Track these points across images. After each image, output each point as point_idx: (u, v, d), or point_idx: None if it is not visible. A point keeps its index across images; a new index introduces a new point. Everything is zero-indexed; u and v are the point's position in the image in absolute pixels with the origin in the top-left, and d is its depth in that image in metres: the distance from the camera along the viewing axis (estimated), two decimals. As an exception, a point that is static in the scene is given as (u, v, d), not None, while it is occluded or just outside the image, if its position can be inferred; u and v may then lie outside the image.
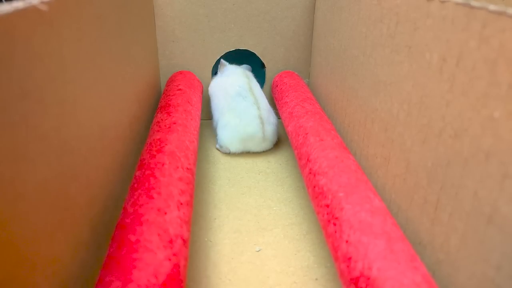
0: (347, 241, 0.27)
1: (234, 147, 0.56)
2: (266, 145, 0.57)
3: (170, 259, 0.25)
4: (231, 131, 0.55)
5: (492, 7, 0.21)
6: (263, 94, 0.59)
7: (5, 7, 0.18)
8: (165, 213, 0.28)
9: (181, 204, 0.31)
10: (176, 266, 0.25)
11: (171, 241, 0.26)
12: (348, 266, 0.26)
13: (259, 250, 0.38)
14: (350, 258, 0.26)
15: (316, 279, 0.35)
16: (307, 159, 0.39)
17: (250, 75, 0.61)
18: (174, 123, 0.42)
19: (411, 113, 0.29)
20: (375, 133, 0.36)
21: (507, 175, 0.20)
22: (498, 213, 0.21)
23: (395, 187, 0.33)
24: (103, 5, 0.33)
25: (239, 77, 0.59)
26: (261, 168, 0.53)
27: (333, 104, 0.50)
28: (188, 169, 0.36)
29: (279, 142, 0.61)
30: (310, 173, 0.37)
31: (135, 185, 0.32)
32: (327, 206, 0.31)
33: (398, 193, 0.32)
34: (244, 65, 0.65)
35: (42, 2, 0.22)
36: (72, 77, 0.26)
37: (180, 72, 0.62)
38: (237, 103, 0.56)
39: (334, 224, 0.29)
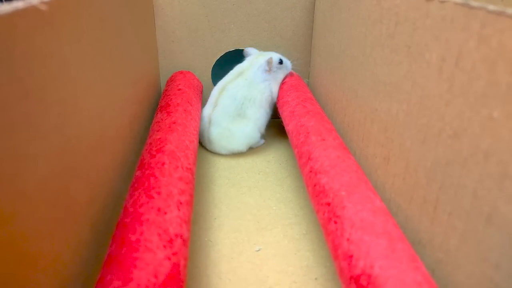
0: (348, 239, 0.27)
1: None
2: (214, 148, 0.56)
3: (170, 259, 0.25)
4: None
5: (491, 7, 0.21)
6: (243, 97, 0.55)
7: (5, 7, 0.18)
8: (165, 213, 0.28)
9: (181, 203, 0.31)
10: (176, 265, 0.25)
11: (171, 241, 0.26)
12: (349, 264, 0.26)
13: (258, 250, 0.38)
14: (351, 256, 0.26)
15: (316, 278, 0.35)
16: (308, 158, 0.39)
17: (246, 70, 0.57)
18: (174, 123, 0.42)
19: (411, 113, 0.30)
20: (375, 133, 0.36)
21: (506, 175, 0.20)
22: (497, 213, 0.21)
23: (395, 186, 0.33)
24: (103, 5, 0.33)
25: (230, 74, 0.58)
26: (260, 168, 0.53)
27: (333, 104, 0.50)
28: (188, 168, 0.36)
29: (279, 142, 0.61)
30: (311, 171, 0.37)
31: (135, 184, 0.32)
32: (328, 204, 0.31)
33: (398, 193, 0.32)
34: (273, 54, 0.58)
35: (42, 2, 0.22)
36: (72, 76, 0.26)
37: (180, 72, 0.62)
38: (209, 99, 0.58)
39: (335, 222, 0.29)
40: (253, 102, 0.55)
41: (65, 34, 0.25)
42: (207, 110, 0.56)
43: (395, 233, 0.27)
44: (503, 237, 0.21)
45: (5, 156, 0.18)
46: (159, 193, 0.30)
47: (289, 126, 0.49)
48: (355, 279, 0.25)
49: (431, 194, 0.27)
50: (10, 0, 0.22)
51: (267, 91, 0.56)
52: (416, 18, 0.28)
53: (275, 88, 0.58)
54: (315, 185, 0.35)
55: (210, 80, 0.65)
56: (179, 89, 0.54)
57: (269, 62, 0.55)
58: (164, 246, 0.25)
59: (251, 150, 0.58)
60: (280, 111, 0.56)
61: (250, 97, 0.55)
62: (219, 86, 0.57)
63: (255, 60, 0.57)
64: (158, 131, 0.40)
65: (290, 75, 0.60)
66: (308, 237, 0.40)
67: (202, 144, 0.58)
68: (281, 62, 0.57)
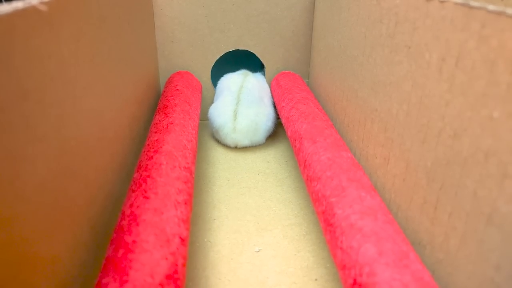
0: (341, 248, 0.27)
1: (214, 135, 0.61)
2: (238, 138, 0.58)
3: (167, 258, 0.25)
4: (210, 121, 0.60)
5: (491, 7, 0.21)
6: (260, 91, 0.60)
7: (5, 7, 0.18)
8: (162, 213, 0.28)
9: (179, 203, 0.31)
10: (174, 265, 0.25)
11: (168, 241, 0.26)
12: (344, 274, 0.26)
13: (258, 251, 0.38)
14: (344, 266, 0.26)
15: (316, 279, 0.35)
16: (304, 165, 0.39)
17: (251, 74, 0.63)
18: (172, 123, 0.42)
19: (411, 113, 0.29)
20: (375, 133, 0.36)
21: (507, 175, 0.20)
22: (497, 213, 0.21)
23: (395, 187, 0.33)
24: (103, 5, 0.33)
25: (236, 74, 0.62)
26: (260, 169, 0.53)
27: (333, 105, 0.50)
28: (186, 168, 0.36)
29: (278, 142, 0.61)
30: (308, 179, 0.37)
31: (133, 187, 0.32)
32: (323, 212, 0.32)
33: (398, 193, 0.32)
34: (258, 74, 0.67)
35: (41, 2, 0.22)
36: (71, 77, 0.25)
37: (178, 73, 0.62)
38: (222, 97, 0.60)
39: (330, 232, 0.30)
40: (265, 91, 0.62)
41: (64, 35, 0.25)
42: (229, 106, 0.58)
43: (383, 232, 0.26)
44: (504, 238, 0.21)
45: (3, 157, 0.17)
46: (156, 193, 0.30)
47: (288, 133, 0.49)
48: None
49: (432, 194, 0.27)
50: (10, 0, 0.22)
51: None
52: (416, 18, 0.28)
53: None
54: (312, 193, 0.35)
55: (210, 81, 0.65)
56: (177, 90, 0.54)
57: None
58: (161, 246, 0.25)
59: (251, 150, 0.58)
60: (280, 117, 0.56)
61: (262, 88, 0.61)
62: (236, 85, 0.60)
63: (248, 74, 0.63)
64: (155, 132, 0.40)
65: (283, 74, 0.64)
66: (308, 238, 0.40)
67: (221, 139, 0.59)
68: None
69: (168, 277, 0.24)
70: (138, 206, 0.28)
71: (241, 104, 0.58)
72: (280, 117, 0.55)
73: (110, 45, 0.35)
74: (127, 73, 0.41)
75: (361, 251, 0.25)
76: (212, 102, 0.66)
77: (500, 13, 0.20)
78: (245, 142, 0.58)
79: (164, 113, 0.45)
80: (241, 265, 0.36)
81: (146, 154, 0.36)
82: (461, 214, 0.24)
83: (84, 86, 0.28)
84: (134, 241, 0.25)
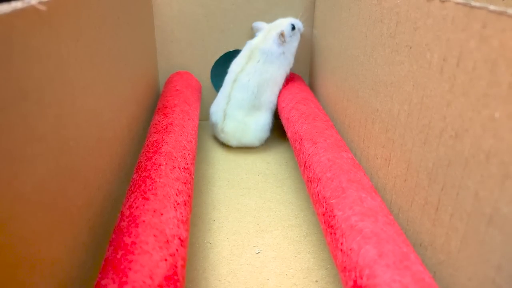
0: (341, 250, 0.27)
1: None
2: (226, 138, 0.57)
3: (166, 260, 0.25)
4: (209, 116, 0.60)
5: (492, 7, 0.21)
6: (260, 82, 0.54)
7: (4, 7, 0.18)
8: (161, 214, 0.28)
9: (178, 204, 0.30)
10: (173, 266, 0.25)
11: (167, 242, 0.26)
12: (345, 276, 0.26)
13: (258, 252, 0.38)
14: (345, 268, 0.26)
15: (316, 281, 0.35)
16: (304, 166, 0.39)
17: (260, 52, 0.54)
18: (171, 124, 0.42)
19: (412, 114, 0.29)
20: (376, 134, 0.36)
21: (508, 176, 0.20)
22: (498, 214, 0.21)
23: (396, 188, 0.32)
24: (102, 5, 0.33)
25: (241, 58, 0.57)
26: (260, 169, 0.53)
27: (333, 105, 0.50)
28: (185, 168, 0.36)
29: (278, 143, 0.60)
30: (308, 180, 0.37)
31: (132, 188, 0.31)
32: (323, 214, 0.32)
33: (399, 194, 0.32)
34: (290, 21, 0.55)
35: (40, 2, 0.21)
36: (70, 77, 0.25)
37: (178, 73, 0.62)
38: (221, 90, 0.59)
39: (330, 233, 0.29)
40: (267, 84, 0.55)
41: (63, 34, 0.25)
42: (221, 104, 0.57)
43: (384, 233, 0.26)
44: (505, 238, 0.20)
45: (2, 157, 0.17)
46: (155, 194, 0.30)
47: (288, 134, 0.49)
48: None
49: (433, 195, 0.27)
50: (9, 0, 0.22)
51: (282, 66, 0.56)
52: (417, 17, 0.28)
53: (291, 58, 0.57)
54: (312, 195, 0.35)
55: (209, 80, 0.65)
56: (177, 90, 0.54)
57: (281, 35, 0.54)
58: (161, 247, 0.25)
59: (251, 150, 0.58)
60: (280, 117, 0.55)
61: (263, 81, 0.55)
62: (231, 76, 0.57)
63: (268, 35, 0.55)
64: (155, 133, 0.40)
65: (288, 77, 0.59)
66: (309, 239, 0.40)
67: (215, 135, 0.59)
68: (293, 27, 0.55)
69: (168, 278, 0.24)
70: (137, 207, 0.28)
71: (231, 104, 0.55)
72: (280, 118, 0.55)
73: (109, 45, 0.35)
74: (126, 73, 0.41)
75: (361, 253, 0.25)
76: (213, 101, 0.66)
77: (501, 13, 0.20)
78: (233, 143, 0.58)
79: (164, 114, 0.45)
80: (241, 267, 0.36)
81: (145, 154, 0.36)
82: (462, 215, 0.24)
83: (83, 86, 0.28)
84: (133, 243, 0.25)
